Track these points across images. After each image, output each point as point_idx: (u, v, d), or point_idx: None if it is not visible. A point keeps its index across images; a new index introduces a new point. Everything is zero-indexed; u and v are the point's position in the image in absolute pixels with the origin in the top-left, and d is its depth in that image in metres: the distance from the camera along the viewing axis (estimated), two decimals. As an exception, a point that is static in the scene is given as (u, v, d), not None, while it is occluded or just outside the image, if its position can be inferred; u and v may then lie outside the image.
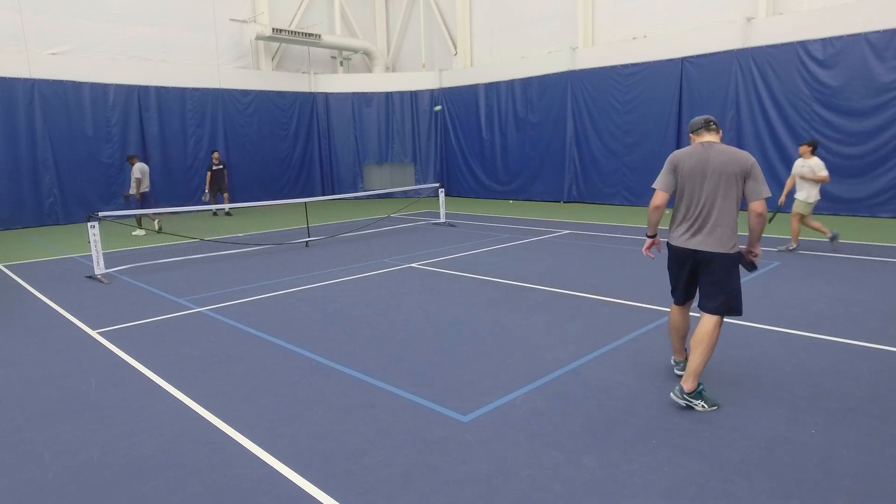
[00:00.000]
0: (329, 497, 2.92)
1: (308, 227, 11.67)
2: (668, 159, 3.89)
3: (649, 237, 4.12)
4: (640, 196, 15.36)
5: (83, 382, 4.52)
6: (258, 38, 18.17)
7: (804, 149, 8.66)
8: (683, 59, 14.20)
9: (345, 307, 6.49)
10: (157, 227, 12.65)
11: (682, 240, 3.85)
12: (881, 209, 11.86)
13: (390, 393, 4.15)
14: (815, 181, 8.51)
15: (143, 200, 12.74)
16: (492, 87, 18.51)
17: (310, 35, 18.93)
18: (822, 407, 3.71)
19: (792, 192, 8.85)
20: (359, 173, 20.56)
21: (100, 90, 15.54)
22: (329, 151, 20.41)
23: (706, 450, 3.24)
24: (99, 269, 8.20)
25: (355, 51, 20.90)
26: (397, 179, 20.55)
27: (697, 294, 3.96)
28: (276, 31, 18.24)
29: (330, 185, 20.48)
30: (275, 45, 19.35)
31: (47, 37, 14.85)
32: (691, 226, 3.80)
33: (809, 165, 8.57)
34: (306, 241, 10.89)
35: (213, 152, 16.60)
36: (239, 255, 9.94)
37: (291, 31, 18.71)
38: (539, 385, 4.20)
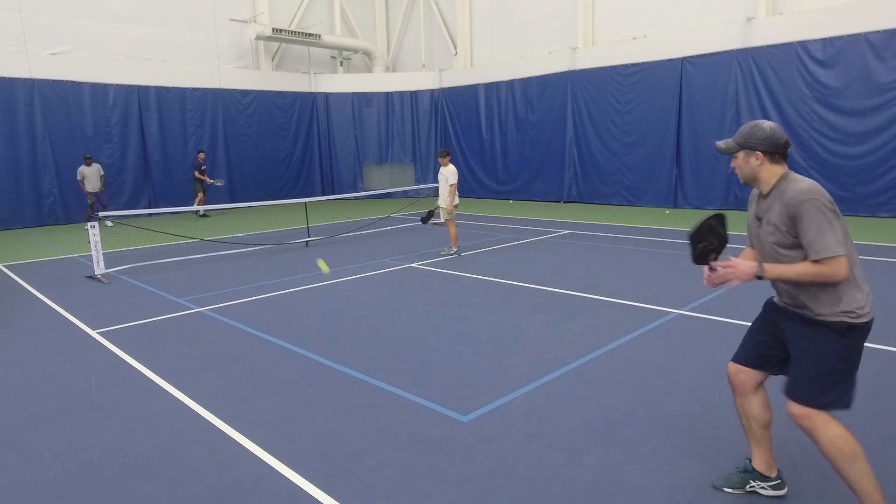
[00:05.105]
0: (329, 497, 2.92)
1: (308, 227, 11.67)
2: (829, 204, 2.44)
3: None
4: (639, 196, 15.36)
5: (83, 382, 4.52)
6: (258, 38, 18.17)
7: (441, 158, 9.15)
8: (683, 59, 14.19)
9: (345, 307, 6.49)
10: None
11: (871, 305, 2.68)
12: (881, 209, 11.85)
13: (390, 393, 4.15)
14: (449, 189, 9.01)
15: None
16: (492, 87, 18.50)
17: (310, 35, 18.92)
18: (822, 407, 3.71)
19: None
20: (359, 173, 20.56)
21: (100, 90, 15.54)
22: (329, 151, 20.40)
23: (706, 450, 3.24)
24: (99, 269, 8.20)
25: (355, 51, 20.90)
26: (397, 179, 20.54)
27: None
28: (276, 31, 18.24)
29: (330, 185, 20.48)
30: (275, 45, 19.35)
31: (47, 37, 14.86)
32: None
33: (444, 174, 9.08)
34: (306, 242, 10.89)
35: (199, 152, 16.45)
36: (239, 255, 9.94)
37: (291, 31, 18.71)
38: (539, 385, 4.20)
